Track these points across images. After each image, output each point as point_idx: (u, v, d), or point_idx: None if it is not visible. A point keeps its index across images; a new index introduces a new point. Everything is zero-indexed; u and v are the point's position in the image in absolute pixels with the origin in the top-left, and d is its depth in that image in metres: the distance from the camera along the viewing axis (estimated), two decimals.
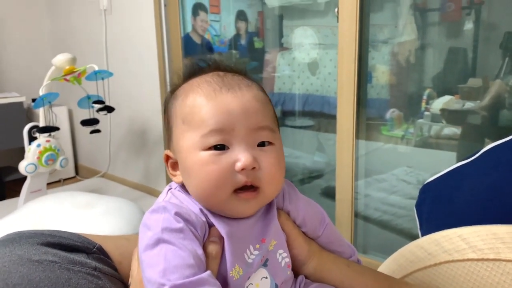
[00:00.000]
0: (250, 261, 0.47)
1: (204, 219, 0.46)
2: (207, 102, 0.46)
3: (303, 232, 0.54)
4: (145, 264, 0.42)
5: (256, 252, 0.47)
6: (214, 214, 0.47)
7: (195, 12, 2.34)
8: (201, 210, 0.47)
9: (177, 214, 0.44)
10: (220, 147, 0.45)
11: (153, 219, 0.45)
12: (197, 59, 0.53)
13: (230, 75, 0.50)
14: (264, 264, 0.48)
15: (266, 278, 0.48)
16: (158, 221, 0.44)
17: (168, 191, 0.51)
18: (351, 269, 0.55)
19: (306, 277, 0.54)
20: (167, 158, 0.52)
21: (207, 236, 0.46)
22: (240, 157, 0.44)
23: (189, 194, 0.49)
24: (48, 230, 0.54)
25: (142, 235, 0.44)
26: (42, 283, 0.46)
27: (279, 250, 0.50)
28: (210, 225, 0.47)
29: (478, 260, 0.57)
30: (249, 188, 0.46)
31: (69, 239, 0.54)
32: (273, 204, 0.51)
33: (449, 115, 1.55)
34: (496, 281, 0.55)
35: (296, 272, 0.54)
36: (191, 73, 0.51)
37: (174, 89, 0.52)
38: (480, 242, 0.58)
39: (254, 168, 0.45)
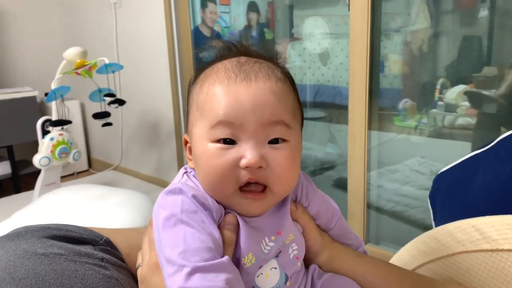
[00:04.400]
0: (265, 251, 0.46)
1: (219, 204, 0.46)
2: (219, 92, 0.44)
3: (317, 225, 0.54)
4: (163, 244, 0.42)
5: (271, 244, 0.47)
6: None
7: (203, 4, 2.33)
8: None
9: (194, 197, 0.44)
10: (229, 141, 0.44)
11: (169, 200, 0.44)
12: (226, 42, 0.50)
13: (252, 61, 0.47)
14: (276, 256, 0.48)
15: (276, 268, 0.48)
16: (176, 202, 0.43)
17: (184, 173, 0.50)
18: (363, 260, 0.55)
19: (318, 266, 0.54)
20: (186, 142, 0.51)
21: (221, 221, 0.46)
22: (247, 154, 0.43)
23: None
24: (54, 224, 0.54)
25: (158, 216, 0.44)
26: (48, 276, 0.46)
27: (293, 244, 0.50)
28: (226, 211, 0.46)
29: (492, 251, 0.56)
30: (255, 185, 0.44)
31: (76, 232, 0.54)
32: (287, 199, 0.50)
33: (471, 98, 1.51)
34: (511, 271, 0.54)
35: (308, 263, 0.54)
36: (216, 57, 0.50)
37: (198, 73, 0.50)
38: (495, 232, 0.57)
39: (260, 167, 0.43)
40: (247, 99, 0.43)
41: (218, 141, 0.44)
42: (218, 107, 0.44)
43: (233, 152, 0.43)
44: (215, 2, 2.34)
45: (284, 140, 0.45)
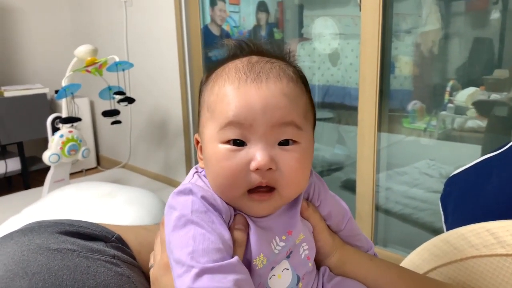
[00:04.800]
0: (276, 251, 0.46)
1: (228, 205, 0.46)
2: (230, 93, 0.44)
3: (327, 225, 0.54)
4: (173, 245, 0.42)
5: (282, 244, 0.46)
6: None
7: (212, 2, 2.33)
8: None
9: (203, 198, 0.44)
10: (239, 143, 0.43)
11: (180, 201, 0.44)
12: (237, 41, 0.49)
13: (263, 61, 0.46)
14: (287, 256, 0.48)
15: (288, 269, 0.47)
16: (187, 202, 0.43)
17: (194, 173, 0.50)
18: (374, 263, 0.54)
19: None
20: (197, 141, 0.51)
21: (232, 223, 0.45)
22: (256, 156, 0.42)
23: None
24: (67, 220, 0.55)
25: (169, 216, 0.44)
26: (60, 272, 0.46)
27: (303, 243, 0.49)
28: (235, 212, 0.46)
29: (507, 255, 0.55)
30: (264, 187, 0.44)
31: (88, 228, 0.54)
32: (299, 198, 0.49)
33: (478, 106, 1.50)
34: None
35: (318, 265, 0.53)
36: (228, 56, 0.49)
37: (210, 72, 0.49)
38: (510, 237, 0.56)
39: (270, 169, 0.43)
40: (257, 101, 0.43)
41: (228, 142, 0.43)
42: (228, 108, 0.43)
43: (242, 154, 0.43)
44: (224, 1, 2.34)
45: (294, 142, 0.45)
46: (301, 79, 0.48)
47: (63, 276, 0.46)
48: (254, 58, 0.47)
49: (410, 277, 0.55)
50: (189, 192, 0.44)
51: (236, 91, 0.44)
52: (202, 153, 0.49)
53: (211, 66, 0.50)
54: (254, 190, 0.44)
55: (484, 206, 0.66)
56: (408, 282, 0.54)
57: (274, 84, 0.44)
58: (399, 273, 0.54)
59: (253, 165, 0.42)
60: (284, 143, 0.44)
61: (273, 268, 0.46)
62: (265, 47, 0.49)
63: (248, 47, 0.49)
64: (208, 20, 2.35)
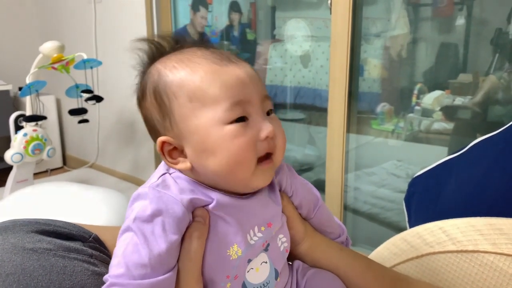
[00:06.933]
0: (252, 242, 0.45)
1: (188, 211, 0.43)
2: (216, 75, 0.44)
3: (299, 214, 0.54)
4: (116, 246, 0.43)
5: (259, 235, 0.46)
6: (217, 192, 0.45)
7: (195, 7, 2.31)
8: (191, 200, 0.44)
9: (156, 204, 0.42)
10: (242, 119, 0.45)
11: (134, 205, 0.43)
12: (175, 36, 0.51)
13: (212, 49, 0.48)
14: (265, 249, 0.47)
15: (266, 263, 0.47)
16: (135, 208, 0.43)
17: (161, 175, 0.46)
18: (344, 253, 0.55)
19: (298, 257, 0.54)
20: (162, 145, 0.47)
21: (188, 231, 0.43)
22: (263, 126, 0.44)
23: (190, 179, 0.46)
24: (43, 219, 0.53)
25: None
26: (36, 272, 0.45)
27: (280, 235, 0.50)
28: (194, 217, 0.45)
29: (457, 252, 0.58)
30: (267, 157, 0.46)
31: (65, 228, 0.53)
32: (276, 189, 0.50)
33: (446, 111, 1.55)
34: (474, 272, 0.56)
35: (290, 253, 0.53)
36: (173, 47, 0.49)
37: (144, 70, 0.50)
38: (460, 234, 0.59)
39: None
40: (246, 77, 0.45)
41: (232, 122, 0.44)
42: (225, 89, 0.44)
43: (250, 128, 0.45)
44: (206, 7, 2.32)
45: (271, 111, 0.48)
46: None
47: (39, 277, 0.45)
48: (203, 48, 0.48)
49: (378, 270, 0.56)
50: (144, 196, 0.43)
51: (222, 73, 0.45)
52: (172, 157, 0.46)
53: (144, 64, 0.53)
54: (261, 160, 0.45)
55: (443, 206, 0.69)
56: (376, 274, 0.55)
57: (243, 64, 0.47)
58: (367, 264, 0.56)
59: (263, 135, 0.44)
60: (268, 113, 0.47)
61: (250, 261, 0.46)
62: (202, 41, 0.51)
63: (186, 41, 0.50)
64: (179, 19, 2.32)
